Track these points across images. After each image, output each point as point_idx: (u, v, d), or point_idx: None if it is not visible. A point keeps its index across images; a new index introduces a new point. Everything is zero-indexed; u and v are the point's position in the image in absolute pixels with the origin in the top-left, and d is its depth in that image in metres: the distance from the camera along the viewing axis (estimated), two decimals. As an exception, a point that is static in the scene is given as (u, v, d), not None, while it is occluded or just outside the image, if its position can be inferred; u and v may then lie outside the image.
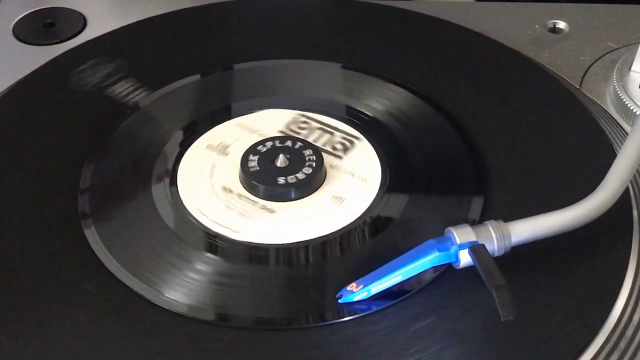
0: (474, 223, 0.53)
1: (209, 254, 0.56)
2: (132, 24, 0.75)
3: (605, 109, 0.68)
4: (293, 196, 0.59)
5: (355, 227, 0.57)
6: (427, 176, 0.61)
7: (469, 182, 0.60)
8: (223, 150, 0.63)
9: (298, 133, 0.63)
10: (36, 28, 0.77)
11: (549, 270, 0.54)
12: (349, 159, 0.62)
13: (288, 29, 0.74)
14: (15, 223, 0.58)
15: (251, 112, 0.66)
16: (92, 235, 0.57)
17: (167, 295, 0.53)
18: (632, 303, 0.53)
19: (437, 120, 0.65)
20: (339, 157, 0.62)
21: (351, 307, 0.52)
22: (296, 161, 0.60)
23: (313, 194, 0.59)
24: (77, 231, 0.57)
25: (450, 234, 0.52)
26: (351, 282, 0.53)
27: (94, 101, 0.67)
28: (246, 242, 0.57)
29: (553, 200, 0.55)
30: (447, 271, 0.54)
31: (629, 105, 0.66)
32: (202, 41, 0.72)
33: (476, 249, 0.51)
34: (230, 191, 0.60)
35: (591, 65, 0.72)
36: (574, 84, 0.70)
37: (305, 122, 0.64)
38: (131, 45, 0.73)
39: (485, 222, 0.53)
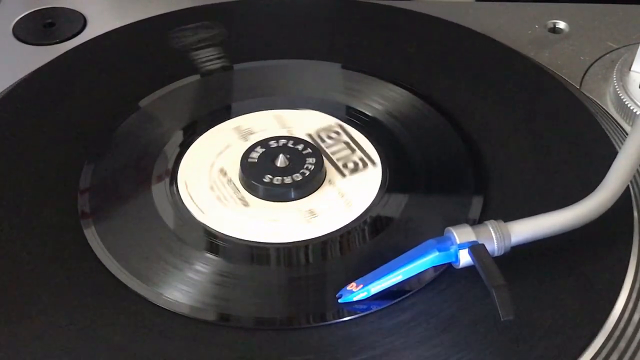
0: (474, 223, 0.53)
1: (209, 254, 0.56)
2: (133, 23, 0.75)
3: (605, 109, 0.68)
4: (262, 194, 0.59)
5: (355, 227, 0.57)
6: (427, 176, 0.61)
7: (469, 182, 0.60)
8: (246, 135, 0.63)
9: (323, 141, 0.63)
10: (36, 28, 0.77)
11: (549, 270, 0.54)
12: (351, 181, 0.60)
13: (288, 29, 0.74)
14: (15, 223, 0.58)
15: (296, 109, 0.66)
16: (92, 235, 0.57)
17: (167, 295, 0.53)
18: (632, 303, 0.53)
19: (437, 120, 0.65)
20: (343, 175, 0.61)
21: (351, 306, 0.52)
22: (295, 163, 0.60)
23: (291, 202, 0.59)
24: (77, 231, 0.57)
25: (450, 233, 0.52)
26: (351, 282, 0.53)
27: (94, 101, 0.67)
28: (246, 242, 0.57)
29: (553, 200, 0.56)
30: (446, 271, 0.54)
31: (629, 105, 0.66)
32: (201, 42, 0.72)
33: (476, 249, 0.51)
34: (225, 174, 0.61)
35: (591, 65, 0.72)
36: (574, 84, 0.70)
37: (337, 133, 0.63)
38: (131, 45, 0.73)
39: (485, 222, 0.53)
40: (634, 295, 0.54)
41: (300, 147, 0.61)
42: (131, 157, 0.62)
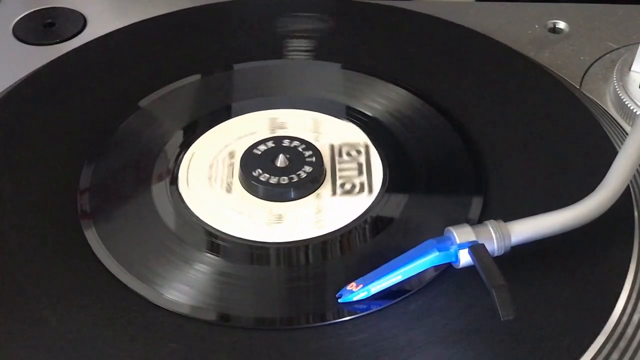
0: (474, 223, 0.53)
1: (209, 254, 0.56)
2: (133, 24, 0.75)
3: (605, 109, 0.68)
4: (244, 185, 0.60)
5: (356, 227, 0.57)
6: (427, 176, 0.61)
7: (468, 182, 0.60)
8: (275, 129, 0.64)
9: (340, 156, 0.62)
10: (36, 28, 0.77)
11: (549, 270, 0.54)
12: (336, 201, 0.59)
13: (288, 29, 0.74)
14: (15, 223, 0.58)
15: (337, 117, 0.65)
16: (92, 235, 0.57)
17: (167, 295, 0.53)
18: (632, 303, 0.53)
19: (437, 120, 0.65)
20: (334, 193, 0.60)
21: (351, 306, 0.52)
22: (294, 164, 0.60)
23: (266, 201, 0.59)
24: (77, 231, 0.57)
25: (450, 233, 0.52)
26: (351, 282, 0.53)
27: (94, 101, 0.67)
28: (247, 242, 0.57)
29: (553, 200, 0.55)
30: (446, 271, 0.54)
31: (629, 105, 0.66)
32: (202, 41, 0.72)
33: (476, 249, 0.51)
34: (232, 157, 0.62)
35: (591, 65, 0.72)
36: (574, 84, 0.70)
37: (358, 152, 0.62)
38: (132, 45, 0.73)
39: (485, 221, 0.53)
40: (634, 295, 0.54)
41: (307, 153, 0.61)
42: (131, 157, 0.63)
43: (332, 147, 0.63)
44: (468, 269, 0.52)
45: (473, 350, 0.50)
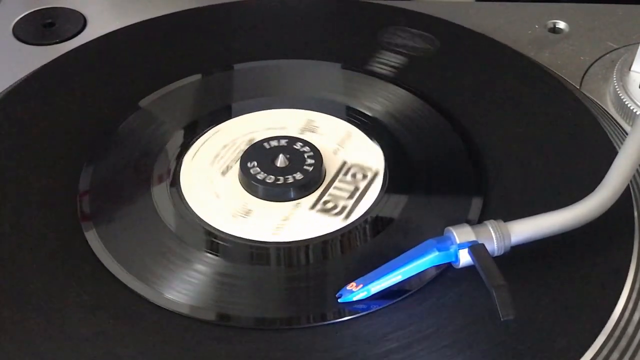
0: (473, 223, 0.53)
1: (209, 254, 0.56)
2: (134, 24, 0.75)
3: (605, 109, 0.68)
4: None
5: (356, 226, 0.57)
6: (427, 176, 0.61)
7: (468, 182, 0.60)
8: (305, 131, 0.64)
9: (345, 174, 0.61)
10: (36, 28, 0.77)
11: (549, 270, 0.54)
12: (309, 216, 0.58)
13: (288, 29, 0.74)
14: (16, 224, 0.58)
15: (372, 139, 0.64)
16: (92, 236, 0.57)
17: (167, 295, 0.53)
18: (632, 302, 0.53)
19: (437, 120, 0.65)
20: (313, 207, 0.58)
21: (351, 306, 0.52)
22: (291, 168, 0.60)
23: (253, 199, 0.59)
24: (78, 232, 0.57)
25: (450, 233, 0.52)
26: (351, 282, 0.53)
27: (94, 101, 0.67)
28: (247, 241, 0.57)
29: (553, 200, 0.55)
30: (446, 271, 0.54)
31: (629, 105, 0.66)
32: (202, 41, 0.72)
33: (476, 249, 0.51)
34: (249, 143, 0.62)
35: (591, 65, 0.72)
36: (574, 84, 0.70)
37: (364, 177, 0.60)
38: (132, 45, 0.73)
39: (485, 221, 0.53)
40: (635, 295, 0.54)
41: (309, 161, 0.60)
42: (131, 157, 0.62)
43: (343, 164, 0.62)
44: (468, 268, 0.52)
45: (473, 350, 0.50)
